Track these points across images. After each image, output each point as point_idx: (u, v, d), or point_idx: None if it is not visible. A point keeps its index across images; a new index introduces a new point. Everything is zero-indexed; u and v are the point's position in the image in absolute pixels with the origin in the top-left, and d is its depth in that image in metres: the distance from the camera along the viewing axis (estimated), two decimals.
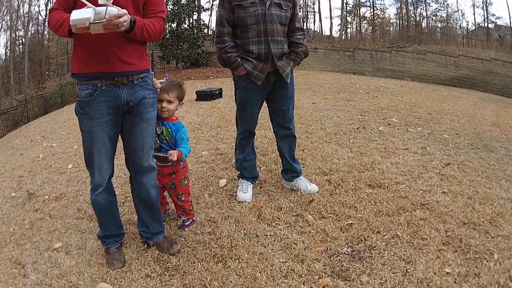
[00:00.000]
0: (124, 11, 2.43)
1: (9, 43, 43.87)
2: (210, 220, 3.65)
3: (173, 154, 3.16)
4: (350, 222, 3.40)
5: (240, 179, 4.24)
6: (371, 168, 4.72)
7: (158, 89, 3.05)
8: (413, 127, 6.90)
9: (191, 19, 26.32)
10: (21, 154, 7.84)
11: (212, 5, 36.04)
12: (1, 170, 6.78)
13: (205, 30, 25.73)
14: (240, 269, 2.85)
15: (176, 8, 24.29)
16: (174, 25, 24.80)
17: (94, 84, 2.68)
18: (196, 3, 26.24)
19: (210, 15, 43.07)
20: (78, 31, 2.36)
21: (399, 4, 43.19)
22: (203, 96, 11.16)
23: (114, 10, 2.34)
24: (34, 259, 3.24)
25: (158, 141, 3.29)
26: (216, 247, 3.18)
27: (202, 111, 9.45)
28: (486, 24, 39.98)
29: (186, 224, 3.55)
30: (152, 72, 3.04)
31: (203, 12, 27.96)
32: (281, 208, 3.79)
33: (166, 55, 23.95)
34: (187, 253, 3.14)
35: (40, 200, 4.56)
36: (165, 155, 3.20)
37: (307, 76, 18.60)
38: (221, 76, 20.26)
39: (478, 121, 8.02)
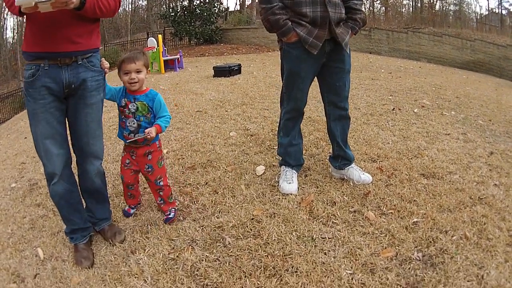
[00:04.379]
0: None
1: (16, 26, 43.90)
2: (253, 219, 2.99)
3: (151, 131, 2.83)
4: (415, 220, 2.92)
5: (283, 166, 3.58)
6: (419, 154, 4.22)
7: (106, 70, 2.79)
8: (446, 110, 6.42)
9: None
10: (25, 138, 7.29)
11: None
12: (3, 157, 6.22)
13: (219, 7, 24.79)
14: (301, 287, 2.30)
15: None
16: (185, 2, 24.22)
17: (37, 64, 2.49)
18: None
19: None
20: (26, 10, 2.16)
21: None
22: (221, 72, 10.45)
23: None
24: (35, 270, 2.75)
25: (135, 121, 2.94)
26: (265, 255, 2.56)
27: (222, 87, 8.72)
28: (499, 10, 39.56)
29: (170, 216, 3.14)
30: (99, 53, 2.80)
31: None
32: (334, 202, 3.19)
33: (178, 32, 23.26)
34: (229, 264, 2.51)
35: (43, 192, 4.00)
36: (142, 136, 2.90)
37: None
38: (236, 52, 19.60)
39: (505, 108, 7.59)
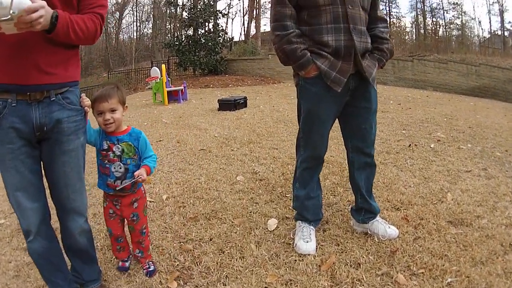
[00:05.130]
0: (41, 3, 1.84)
1: None
2: None
3: (142, 173, 2.51)
4: (448, 280, 2.57)
5: (299, 222, 3.15)
6: (443, 198, 3.88)
7: (87, 108, 2.36)
8: (463, 143, 6.18)
9: (208, 24, 25.40)
10: None
11: (228, 12, 35.16)
12: None
13: (223, 36, 24.67)
14: None
15: (193, 13, 23.44)
16: (190, 31, 24.10)
17: (4, 99, 2.08)
18: (213, 9, 25.13)
19: (226, 23, 42.39)
20: None
21: (414, 13, 43.51)
22: (226, 105, 10.12)
23: (26, 3, 1.77)
24: None
25: (122, 165, 2.58)
26: None
27: (227, 122, 8.40)
28: (502, 32, 40.08)
29: (151, 269, 2.83)
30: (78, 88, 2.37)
31: (221, 18, 27.03)
32: (359, 263, 2.76)
33: (183, 62, 23.07)
34: None
35: None
36: (132, 180, 2.55)
37: None
38: (241, 84, 19.32)
39: None
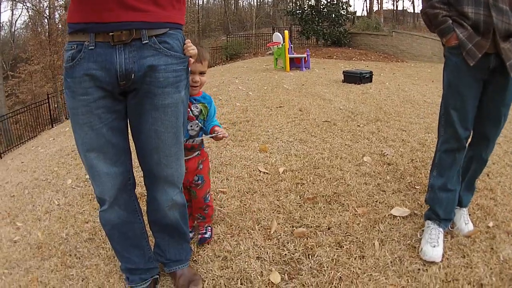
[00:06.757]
0: None
1: None
2: None
3: (222, 130, 2.49)
4: None
5: (428, 222, 2.71)
6: None
7: (191, 59, 1.96)
8: None
9: None
10: None
11: None
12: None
13: (347, 9, 23.78)
14: None
15: None
16: (312, 1, 23.55)
17: (79, 42, 1.69)
18: None
19: None
20: None
21: None
22: (351, 77, 9.61)
23: None
24: None
25: (199, 123, 2.51)
26: None
27: (353, 96, 7.79)
28: None
29: (206, 236, 2.72)
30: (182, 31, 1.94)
31: None
32: (481, 284, 2.29)
33: (305, 30, 22.58)
34: None
35: None
36: (214, 135, 2.47)
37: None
38: (364, 59, 18.45)
39: None
